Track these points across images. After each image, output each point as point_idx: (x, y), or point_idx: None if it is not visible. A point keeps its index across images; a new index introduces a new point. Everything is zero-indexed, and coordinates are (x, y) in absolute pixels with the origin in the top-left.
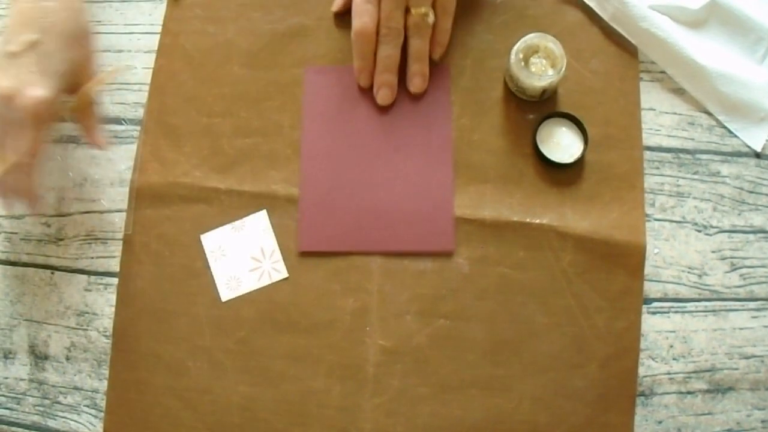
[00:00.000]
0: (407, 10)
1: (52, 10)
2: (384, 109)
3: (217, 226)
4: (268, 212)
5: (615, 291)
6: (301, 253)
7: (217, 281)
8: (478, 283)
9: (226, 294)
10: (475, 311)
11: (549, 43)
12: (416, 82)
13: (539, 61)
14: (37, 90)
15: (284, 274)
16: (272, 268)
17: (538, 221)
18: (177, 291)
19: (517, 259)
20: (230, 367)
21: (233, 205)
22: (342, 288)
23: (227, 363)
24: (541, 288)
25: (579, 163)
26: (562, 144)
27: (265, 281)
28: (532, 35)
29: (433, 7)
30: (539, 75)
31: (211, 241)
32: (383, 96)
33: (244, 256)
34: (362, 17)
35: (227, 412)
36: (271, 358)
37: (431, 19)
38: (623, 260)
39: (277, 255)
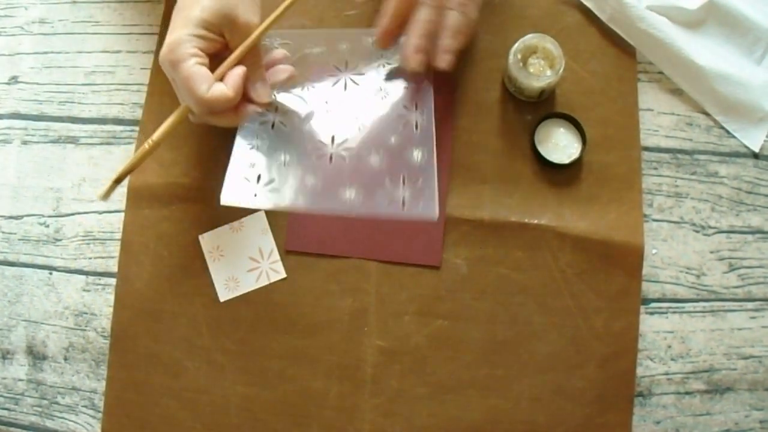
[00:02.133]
0: None
1: None
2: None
3: (215, 227)
4: (266, 213)
5: (613, 291)
6: (300, 254)
7: (215, 282)
8: (476, 284)
9: (224, 294)
10: (474, 312)
11: (547, 43)
12: (447, 59)
13: (537, 62)
14: (170, 37)
15: (282, 274)
16: (270, 269)
17: (536, 222)
18: (175, 291)
19: (516, 259)
20: (228, 367)
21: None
22: (340, 289)
23: (225, 363)
24: (540, 288)
25: (577, 163)
26: (560, 145)
27: (264, 282)
28: (530, 36)
29: None
30: (537, 76)
31: (209, 241)
32: (417, 61)
33: (242, 257)
34: None
35: (225, 413)
36: (270, 359)
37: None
38: (621, 260)
39: (276, 255)
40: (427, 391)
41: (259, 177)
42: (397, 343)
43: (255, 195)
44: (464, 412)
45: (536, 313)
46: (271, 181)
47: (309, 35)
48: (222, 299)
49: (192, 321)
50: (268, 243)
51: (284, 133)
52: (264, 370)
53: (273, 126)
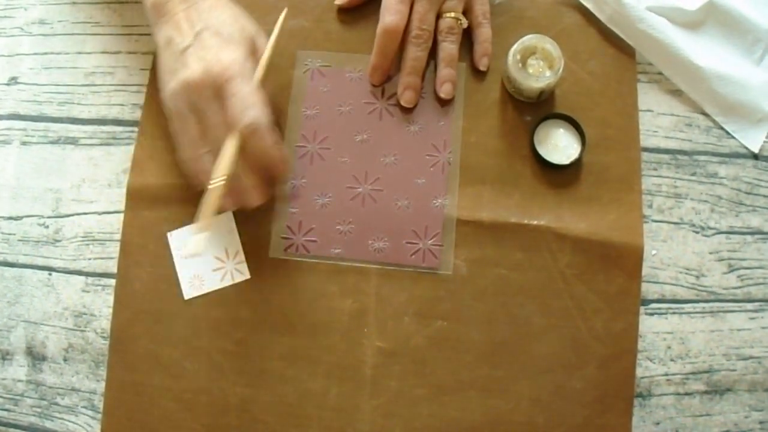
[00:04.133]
0: (438, 15)
1: (205, 3)
2: (385, 120)
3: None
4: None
5: (613, 292)
6: (300, 255)
7: (180, 279)
8: (476, 285)
9: (189, 292)
10: (473, 313)
11: (546, 44)
12: (446, 89)
13: (537, 63)
14: (225, 54)
15: (247, 275)
16: (235, 269)
17: (535, 222)
18: (175, 292)
19: (515, 260)
20: (228, 368)
21: None
22: (340, 289)
23: (225, 364)
24: (539, 289)
25: (576, 164)
26: (559, 145)
27: (228, 281)
28: (529, 37)
29: (469, 14)
30: (537, 76)
31: (177, 239)
32: (408, 98)
33: (207, 256)
34: (394, 15)
35: (225, 414)
36: (269, 360)
37: (464, 24)
38: (621, 261)
39: (241, 256)
40: (427, 392)
41: (300, 224)
42: (397, 344)
43: (296, 249)
44: (464, 413)
45: (536, 314)
46: (310, 230)
47: (350, 58)
48: (186, 297)
49: (192, 322)
50: (234, 243)
51: (322, 166)
52: (264, 371)
53: (311, 161)
